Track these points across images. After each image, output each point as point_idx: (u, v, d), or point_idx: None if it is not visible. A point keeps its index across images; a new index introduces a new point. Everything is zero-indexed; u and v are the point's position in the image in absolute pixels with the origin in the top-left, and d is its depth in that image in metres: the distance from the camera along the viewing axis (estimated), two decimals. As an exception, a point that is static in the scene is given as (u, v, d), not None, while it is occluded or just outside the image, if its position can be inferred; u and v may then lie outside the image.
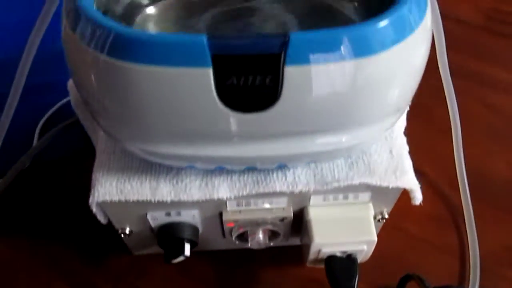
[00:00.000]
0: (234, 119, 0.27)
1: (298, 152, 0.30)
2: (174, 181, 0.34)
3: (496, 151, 0.49)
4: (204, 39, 0.24)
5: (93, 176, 0.35)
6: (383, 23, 0.25)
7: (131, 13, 0.32)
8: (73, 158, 0.48)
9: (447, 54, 0.40)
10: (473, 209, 0.43)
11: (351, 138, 0.30)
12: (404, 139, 0.37)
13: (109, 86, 0.27)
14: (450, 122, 0.43)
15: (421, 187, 0.35)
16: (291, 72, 0.25)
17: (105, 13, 0.30)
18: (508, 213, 0.45)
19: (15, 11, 0.57)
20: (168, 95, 0.26)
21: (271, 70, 0.25)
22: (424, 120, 0.51)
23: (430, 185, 0.47)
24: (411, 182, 0.34)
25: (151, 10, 0.33)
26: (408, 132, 0.37)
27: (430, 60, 0.31)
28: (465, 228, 0.43)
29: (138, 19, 0.32)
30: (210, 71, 0.25)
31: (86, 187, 0.35)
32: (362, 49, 0.25)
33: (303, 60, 0.25)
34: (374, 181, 0.34)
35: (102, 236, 0.43)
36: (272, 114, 0.27)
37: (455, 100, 0.43)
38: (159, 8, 0.33)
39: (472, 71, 0.56)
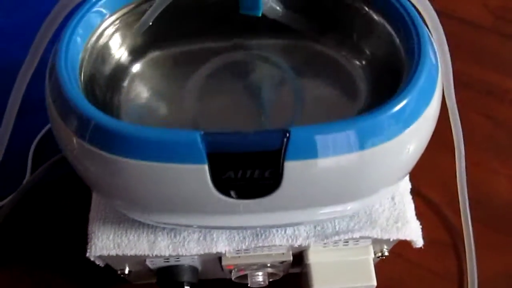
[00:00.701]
0: (231, 204, 0.26)
1: (299, 221, 0.29)
2: (172, 235, 0.34)
3: (500, 169, 0.47)
4: (198, 137, 0.22)
5: (89, 227, 0.34)
6: (395, 109, 0.23)
7: (118, 75, 0.30)
8: (69, 180, 0.47)
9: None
10: (474, 232, 0.43)
11: (357, 206, 0.29)
12: (406, 178, 0.36)
13: (93, 171, 0.26)
14: (451, 138, 0.41)
15: (420, 209, 0.35)
16: (292, 166, 0.23)
17: (92, 76, 0.28)
18: (509, 236, 0.44)
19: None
20: (160, 186, 0.25)
21: (270, 165, 0.23)
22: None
23: (430, 206, 0.46)
24: (412, 233, 0.34)
25: (137, 68, 0.31)
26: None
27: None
28: (465, 253, 0.43)
29: (125, 82, 0.30)
30: (205, 167, 0.23)
31: (85, 212, 0.34)
32: (369, 141, 0.23)
33: (305, 155, 0.23)
34: (375, 234, 0.33)
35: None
36: (271, 199, 0.25)
37: (459, 124, 0.40)
38: (145, 66, 0.31)
39: (475, 79, 0.51)
